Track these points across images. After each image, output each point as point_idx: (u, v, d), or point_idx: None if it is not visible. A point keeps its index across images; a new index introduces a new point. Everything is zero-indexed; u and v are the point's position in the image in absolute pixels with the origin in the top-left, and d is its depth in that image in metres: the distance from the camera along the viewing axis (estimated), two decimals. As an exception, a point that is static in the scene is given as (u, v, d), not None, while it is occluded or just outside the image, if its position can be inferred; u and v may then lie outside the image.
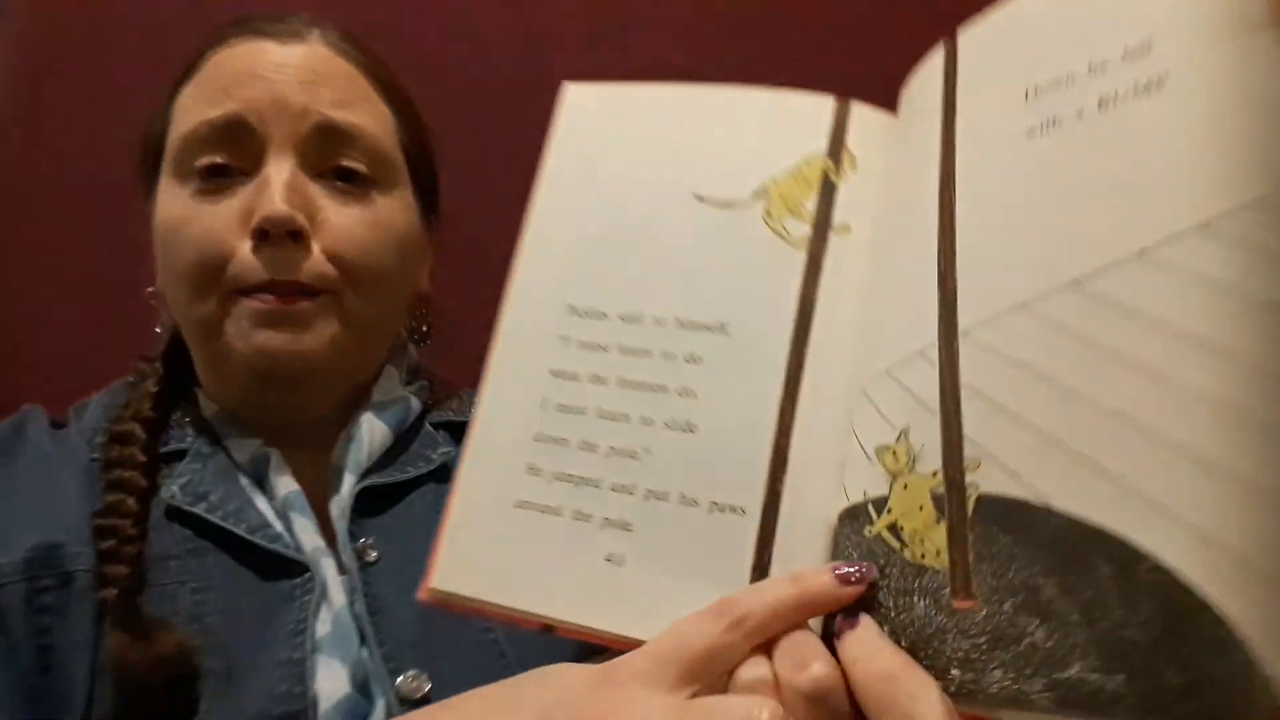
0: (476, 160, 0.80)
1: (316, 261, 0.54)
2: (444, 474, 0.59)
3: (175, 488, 0.53)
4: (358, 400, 0.60)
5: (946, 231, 0.35)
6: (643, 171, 0.42)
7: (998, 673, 0.28)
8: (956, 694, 0.29)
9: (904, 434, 0.33)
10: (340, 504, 0.55)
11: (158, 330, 0.62)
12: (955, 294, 0.33)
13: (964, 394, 0.31)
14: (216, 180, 0.54)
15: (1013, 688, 0.28)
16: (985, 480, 0.30)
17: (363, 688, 0.49)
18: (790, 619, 0.31)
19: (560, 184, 0.43)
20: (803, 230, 0.39)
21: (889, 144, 0.40)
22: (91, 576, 0.49)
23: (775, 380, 0.37)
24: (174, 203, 0.55)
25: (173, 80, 0.59)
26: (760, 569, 0.35)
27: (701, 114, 0.42)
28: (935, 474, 0.31)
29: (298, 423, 0.58)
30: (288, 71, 0.56)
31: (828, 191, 0.40)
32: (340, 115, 0.56)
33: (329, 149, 0.56)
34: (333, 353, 0.55)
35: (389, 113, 0.60)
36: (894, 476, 0.33)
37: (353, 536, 0.54)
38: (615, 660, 0.31)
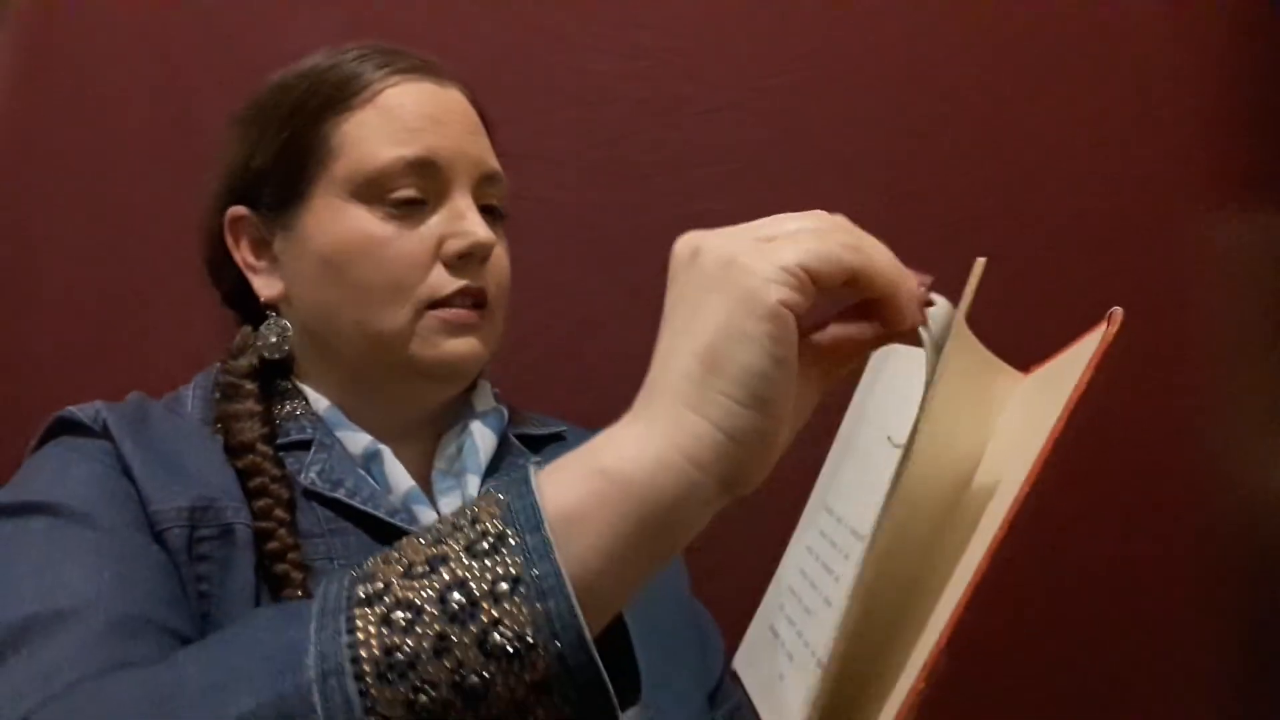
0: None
1: (491, 279, 0.63)
2: None
3: (313, 474, 0.57)
4: (455, 407, 0.66)
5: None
6: (880, 414, 0.49)
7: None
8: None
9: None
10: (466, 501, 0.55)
11: (238, 338, 0.63)
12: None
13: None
14: (409, 209, 0.61)
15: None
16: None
17: None
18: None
19: (858, 414, 0.52)
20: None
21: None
22: (251, 533, 0.52)
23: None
24: (360, 223, 0.60)
25: (316, 103, 0.61)
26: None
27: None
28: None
29: (402, 421, 0.63)
30: (456, 118, 0.63)
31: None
32: (495, 163, 0.65)
33: (486, 190, 0.64)
34: (486, 357, 0.63)
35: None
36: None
37: None
38: None
